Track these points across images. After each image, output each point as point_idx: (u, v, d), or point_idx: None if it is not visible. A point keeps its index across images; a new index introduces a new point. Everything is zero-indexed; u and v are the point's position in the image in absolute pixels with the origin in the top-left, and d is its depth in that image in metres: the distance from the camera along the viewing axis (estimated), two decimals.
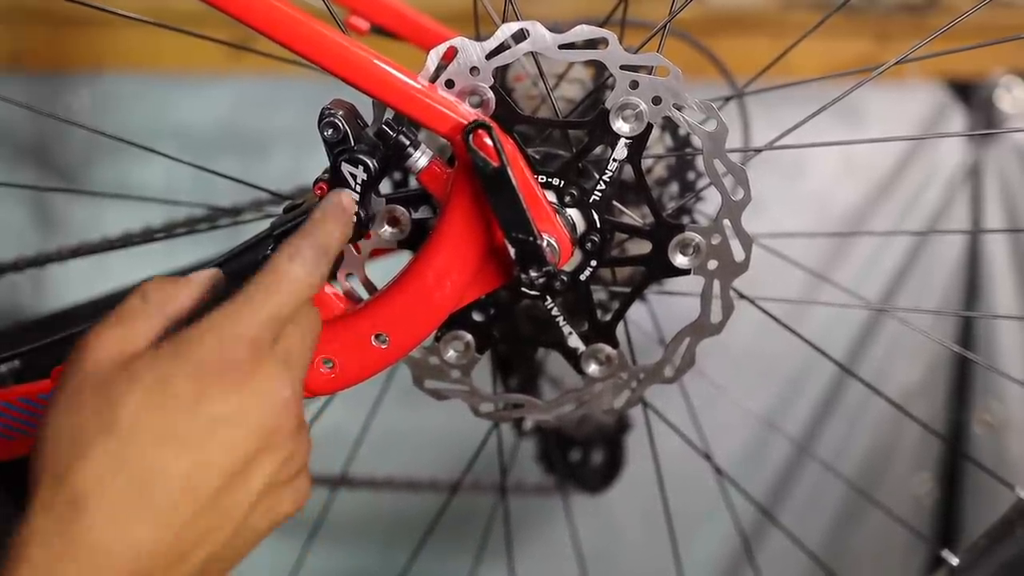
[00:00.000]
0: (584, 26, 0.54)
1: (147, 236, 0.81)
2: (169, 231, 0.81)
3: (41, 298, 1.19)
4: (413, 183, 0.61)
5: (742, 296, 0.66)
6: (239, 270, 0.62)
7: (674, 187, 0.79)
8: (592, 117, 0.56)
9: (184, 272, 0.52)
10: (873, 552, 1.32)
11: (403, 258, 0.60)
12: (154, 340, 0.46)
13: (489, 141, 0.52)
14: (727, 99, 0.80)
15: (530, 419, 0.65)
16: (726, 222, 0.57)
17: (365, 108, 0.56)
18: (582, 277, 0.59)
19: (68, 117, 1.21)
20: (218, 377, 0.44)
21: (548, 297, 0.60)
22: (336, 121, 0.53)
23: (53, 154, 1.23)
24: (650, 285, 0.61)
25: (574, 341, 0.61)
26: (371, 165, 0.53)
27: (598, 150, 0.57)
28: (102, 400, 0.43)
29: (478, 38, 0.55)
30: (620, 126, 0.55)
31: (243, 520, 0.46)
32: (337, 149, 0.53)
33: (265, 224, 0.58)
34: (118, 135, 0.71)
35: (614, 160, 0.56)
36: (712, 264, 0.58)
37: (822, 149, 1.23)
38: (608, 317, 0.61)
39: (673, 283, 0.65)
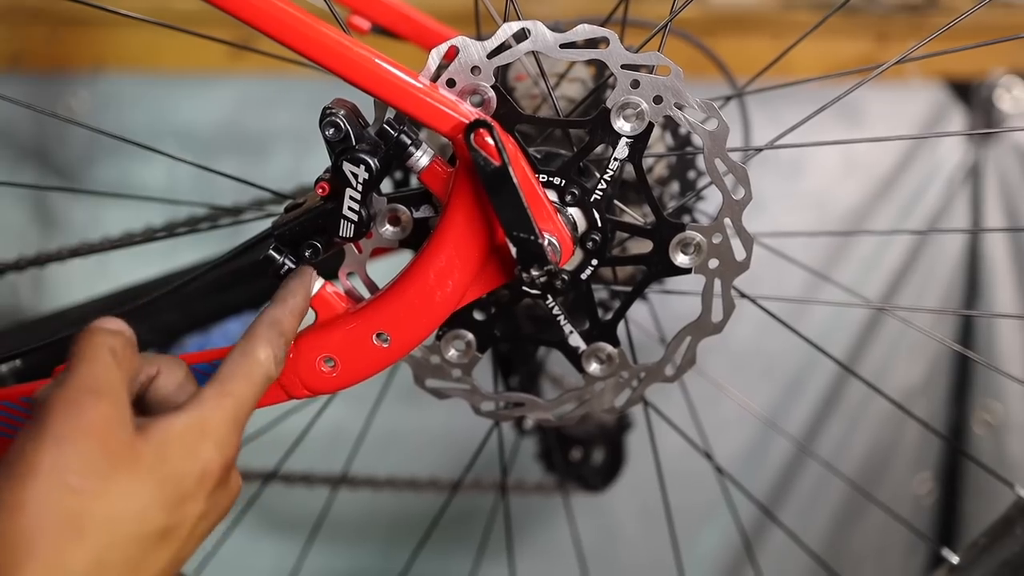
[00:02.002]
0: (585, 25, 0.54)
1: (148, 236, 0.81)
2: (170, 231, 0.81)
3: (42, 298, 1.19)
4: (414, 182, 0.61)
5: (743, 295, 0.66)
6: (239, 270, 0.62)
7: (675, 186, 0.79)
8: (593, 116, 0.56)
9: (183, 273, 0.52)
10: (874, 550, 1.33)
11: (404, 257, 0.60)
12: (129, 410, 0.44)
13: (490, 140, 0.52)
14: (728, 98, 0.80)
15: (531, 418, 0.65)
16: (727, 221, 0.57)
17: (367, 107, 0.56)
18: (583, 276, 0.59)
19: (69, 117, 1.21)
20: (218, 476, 0.46)
21: (549, 296, 0.60)
22: (338, 120, 0.53)
23: (54, 154, 1.23)
24: (651, 284, 0.61)
25: (575, 340, 0.61)
26: (372, 164, 0.53)
27: (599, 149, 0.57)
28: (112, 489, 0.42)
29: (479, 37, 0.55)
30: (621, 125, 0.55)
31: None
32: (339, 148, 0.53)
33: (266, 223, 0.58)
34: (119, 135, 0.71)
35: (615, 159, 0.56)
36: (713, 263, 0.58)
37: (822, 148, 1.23)
38: (609, 316, 0.61)
39: (674, 282, 0.65)
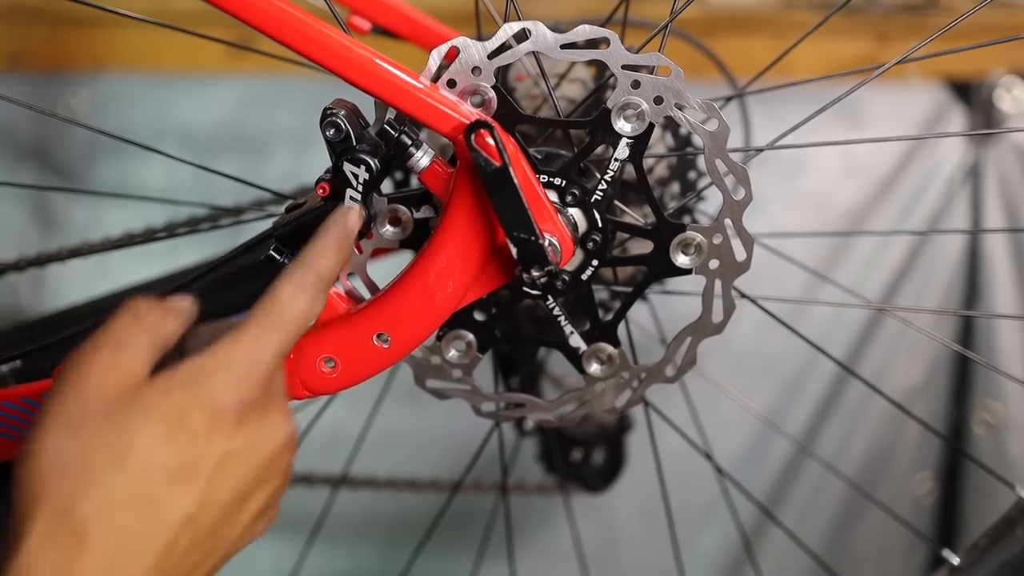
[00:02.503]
0: (586, 26, 0.54)
1: (148, 236, 0.81)
2: (170, 231, 0.81)
3: (42, 298, 1.19)
4: (415, 183, 0.61)
5: (744, 296, 0.66)
6: (240, 270, 0.62)
7: (675, 186, 0.79)
8: (594, 117, 0.56)
9: (184, 274, 0.52)
10: (874, 551, 1.32)
11: (405, 258, 0.60)
12: (151, 366, 0.45)
13: (491, 141, 0.52)
14: (728, 99, 0.80)
15: (531, 419, 0.65)
16: (727, 221, 0.57)
17: (367, 108, 0.56)
18: (584, 277, 0.59)
19: (68, 117, 1.20)
20: (232, 412, 0.44)
21: (550, 297, 0.60)
22: (338, 121, 0.53)
23: (54, 154, 1.23)
24: (651, 285, 0.61)
25: (576, 341, 0.61)
26: (373, 165, 0.53)
27: (600, 150, 0.57)
28: (112, 430, 0.42)
29: (480, 38, 0.55)
30: (622, 126, 0.55)
31: (229, 547, 0.46)
32: (339, 149, 0.53)
33: (267, 224, 0.58)
34: (119, 135, 0.71)
35: (616, 160, 0.56)
36: (713, 264, 0.58)
37: (823, 149, 1.23)
38: (610, 316, 0.61)
39: (675, 282, 0.65)
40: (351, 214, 0.53)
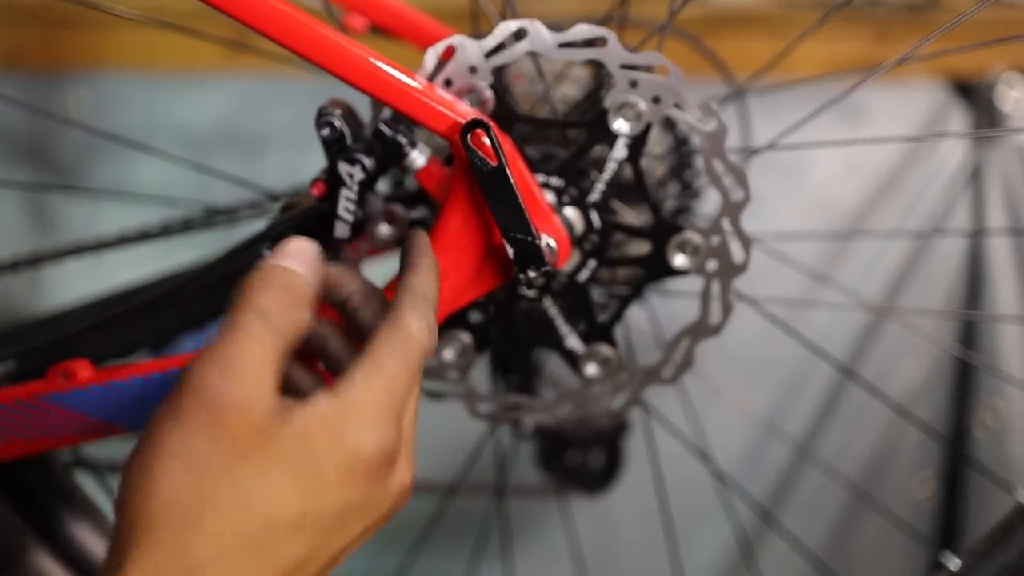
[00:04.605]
0: (583, 25, 0.53)
1: (144, 235, 0.81)
2: (165, 231, 0.80)
3: (37, 298, 1.19)
4: (411, 182, 0.60)
5: (742, 298, 0.66)
6: (237, 269, 0.62)
7: (674, 187, 0.79)
8: (591, 116, 0.55)
9: (179, 274, 0.52)
10: (874, 554, 1.32)
11: None
12: (280, 381, 0.41)
13: (487, 140, 0.51)
14: (727, 98, 0.79)
15: (529, 420, 0.65)
16: (725, 222, 0.57)
17: (363, 107, 0.55)
18: (581, 278, 0.59)
19: (65, 116, 1.20)
20: (369, 463, 0.41)
21: (547, 298, 0.59)
22: (333, 120, 0.53)
23: (49, 153, 1.22)
24: (649, 286, 0.61)
25: (573, 342, 0.61)
26: (368, 164, 0.53)
27: (597, 149, 0.56)
28: (241, 472, 0.39)
29: (477, 37, 0.54)
30: (619, 125, 0.55)
31: None
32: (334, 148, 0.53)
33: (262, 224, 0.57)
34: (115, 134, 0.70)
35: (613, 160, 0.56)
36: (711, 265, 0.58)
37: (823, 149, 1.23)
38: (607, 318, 0.61)
39: (673, 283, 0.65)
40: (423, 235, 0.50)
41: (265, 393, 0.40)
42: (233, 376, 0.40)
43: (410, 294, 0.46)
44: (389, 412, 0.42)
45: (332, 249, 0.57)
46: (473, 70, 0.54)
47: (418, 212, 0.58)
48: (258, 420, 0.40)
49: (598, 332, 0.61)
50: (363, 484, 0.42)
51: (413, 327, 0.44)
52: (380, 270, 0.61)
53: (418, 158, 0.54)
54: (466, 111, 0.54)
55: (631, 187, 0.58)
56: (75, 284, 1.06)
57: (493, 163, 0.52)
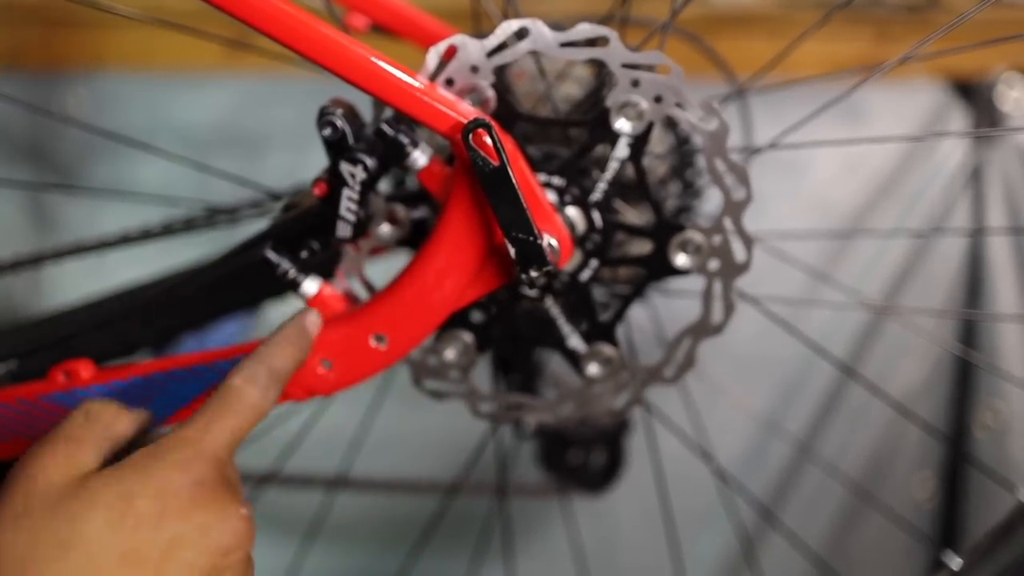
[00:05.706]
0: (585, 24, 0.53)
1: (144, 235, 0.81)
2: (166, 230, 0.80)
3: (37, 298, 1.19)
4: (413, 182, 0.60)
5: (744, 297, 0.66)
6: (236, 270, 0.62)
7: (675, 186, 0.79)
8: (593, 116, 0.55)
9: (180, 274, 0.52)
10: (874, 553, 1.32)
11: (403, 258, 0.60)
12: (103, 460, 0.45)
13: (489, 140, 0.51)
14: (728, 98, 0.79)
15: (531, 420, 0.65)
16: (727, 221, 0.57)
17: (365, 107, 0.55)
18: (582, 277, 0.59)
19: (65, 116, 1.20)
20: (181, 496, 0.44)
21: (548, 297, 0.59)
22: (335, 120, 0.53)
23: (50, 153, 1.22)
24: (650, 285, 0.61)
25: (574, 342, 0.61)
26: (370, 164, 0.53)
27: (599, 149, 0.56)
28: (60, 520, 0.42)
29: (479, 36, 0.54)
30: (621, 125, 0.55)
31: None
32: (336, 148, 0.53)
33: (263, 223, 0.57)
34: (115, 134, 0.70)
35: (615, 159, 0.56)
36: (713, 264, 0.58)
37: (824, 148, 1.23)
38: (609, 317, 0.61)
39: (675, 283, 0.65)
40: (311, 316, 0.53)
41: (83, 456, 0.45)
42: (50, 443, 0.45)
43: (249, 359, 0.50)
44: (198, 449, 0.45)
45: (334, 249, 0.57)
46: (475, 69, 0.54)
47: (420, 212, 0.58)
48: (73, 473, 0.44)
49: (600, 331, 0.61)
50: (181, 516, 0.44)
51: (238, 386, 0.48)
52: (381, 270, 0.61)
53: (420, 158, 0.54)
54: (468, 111, 0.54)
55: (633, 186, 0.58)
56: (76, 284, 1.06)
57: (495, 163, 0.52)
